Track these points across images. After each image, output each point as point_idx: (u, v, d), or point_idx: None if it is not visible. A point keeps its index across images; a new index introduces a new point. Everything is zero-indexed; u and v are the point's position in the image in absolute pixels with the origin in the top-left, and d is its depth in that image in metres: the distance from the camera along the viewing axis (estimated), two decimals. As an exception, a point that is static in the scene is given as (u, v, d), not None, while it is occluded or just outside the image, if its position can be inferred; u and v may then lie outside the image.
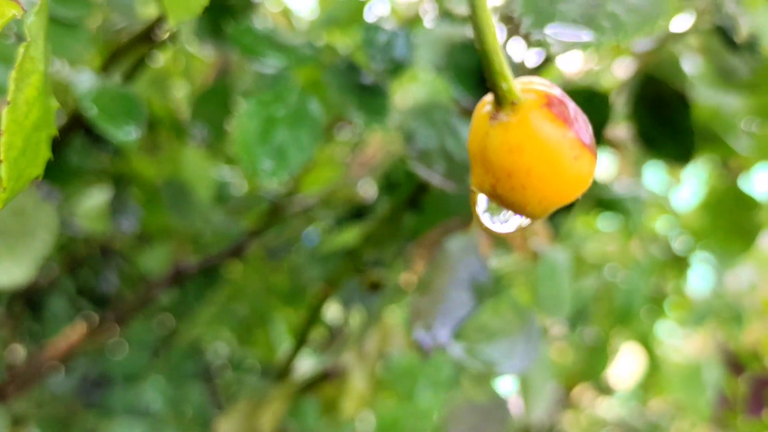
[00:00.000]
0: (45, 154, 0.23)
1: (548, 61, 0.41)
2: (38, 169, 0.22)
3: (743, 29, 0.29)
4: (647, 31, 0.27)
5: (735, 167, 0.68)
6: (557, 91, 0.15)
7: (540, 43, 0.26)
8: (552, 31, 0.27)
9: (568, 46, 0.26)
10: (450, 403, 0.41)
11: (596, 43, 0.26)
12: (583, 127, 0.14)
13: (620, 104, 0.44)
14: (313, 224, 0.75)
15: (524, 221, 0.15)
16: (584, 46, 0.26)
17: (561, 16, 0.27)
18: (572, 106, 0.15)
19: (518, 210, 0.15)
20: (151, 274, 0.82)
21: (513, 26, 0.37)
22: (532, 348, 0.40)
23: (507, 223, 0.15)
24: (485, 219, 0.15)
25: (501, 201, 0.15)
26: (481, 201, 0.15)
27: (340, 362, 0.56)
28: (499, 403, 0.41)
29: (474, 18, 0.14)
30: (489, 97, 0.15)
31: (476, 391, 0.41)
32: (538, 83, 0.15)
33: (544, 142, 0.14)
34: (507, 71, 0.14)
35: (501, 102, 0.15)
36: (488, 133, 0.15)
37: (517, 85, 0.15)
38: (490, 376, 0.41)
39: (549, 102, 0.14)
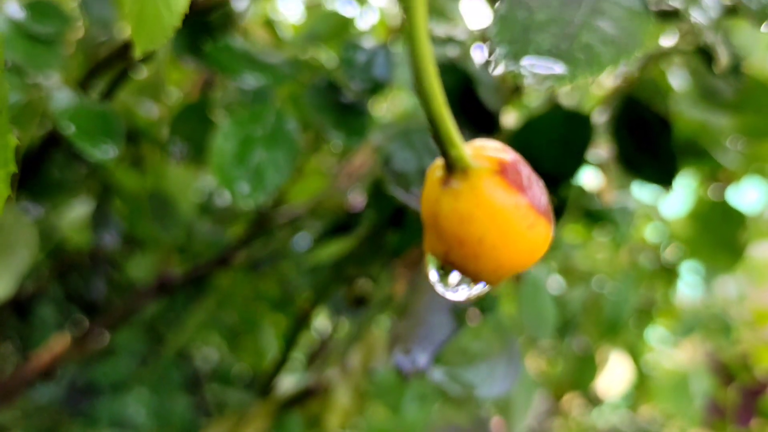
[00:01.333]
0: (3, 192, 0.22)
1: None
2: (-2, 208, 0.22)
3: (723, 58, 0.28)
4: (623, 63, 0.26)
5: (723, 180, 0.68)
6: (511, 156, 0.14)
7: (514, 76, 0.26)
8: (527, 63, 0.26)
9: (542, 79, 0.26)
10: (431, 426, 0.40)
11: (570, 76, 0.25)
12: (538, 193, 0.14)
13: (603, 123, 0.43)
14: (300, 234, 0.75)
15: (474, 291, 0.15)
16: (558, 79, 0.26)
17: (535, 48, 0.26)
18: (526, 172, 0.14)
19: (472, 277, 0.14)
20: (139, 281, 0.82)
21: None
22: (513, 370, 0.40)
23: (457, 293, 0.15)
24: (438, 288, 0.15)
25: (454, 267, 0.14)
26: (433, 267, 0.15)
27: (324, 378, 0.55)
28: (480, 426, 0.41)
29: (419, 85, 0.13)
30: (440, 161, 0.14)
31: (457, 413, 0.41)
32: (491, 148, 0.14)
33: (496, 212, 0.14)
34: (456, 137, 0.14)
35: (451, 168, 0.14)
36: (439, 199, 0.14)
37: (468, 151, 0.14)
38: (471, 399, 0.40)
39: (501, 169, 0.14)
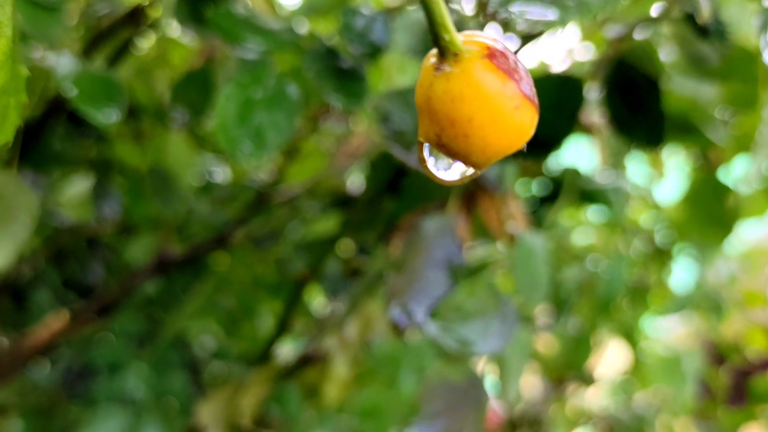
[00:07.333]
0: (14, 120, 0.23)
1: (524, 45, 0.42)
2: (7, 135, 0.23)
3: (705, 11, 0.30)
4: (610, 10, 0.27)
5: (714, 159, 0.70)
6: (499, 44, 0.15)
7: (507, 23, 0.27)
8: (518, 9, 0.27)
9: (534, 25, 0.27)
10: (426, 382, 0.41)
11: (561, 21, 0.27)
12: (525, 78, 0.15)
13: (596, 91, 0.44)
14: (299, 214, 0.75)
15: (468, 170, 0.16)
16: (549, 24, 0.27)
17: (527, -5, 0.27)
18: (513, 59, 0.15)
19: (462, 159, 0.15)
20: (136, 264, 0.82)
21: (486, 11, 0.37)
22: (507, 329, 0.41)
23: (450, 170, 0.16)
24: (430, 165, 0.16)
25: (446, 150, 0.15)
26: (427, 151, 0.16)
27: (321, 347, 0.56)
28: (475, 382, 0.42)
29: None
30: (434, 50, 0.16)
31: (452, 371, 0.42)
32: (481, 36, 0.15)
33: (485, 92, 0.15)
34: (449, 23, 0.15)
35: (444, 53, 0.15)
36: (432, 83, 0.15)
37: (460, 37, 0.15)
38: (466, 355, 0.41)
39: (490, 53, 0.15)
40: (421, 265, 0.39)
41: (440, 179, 0.16)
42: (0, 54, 0.21)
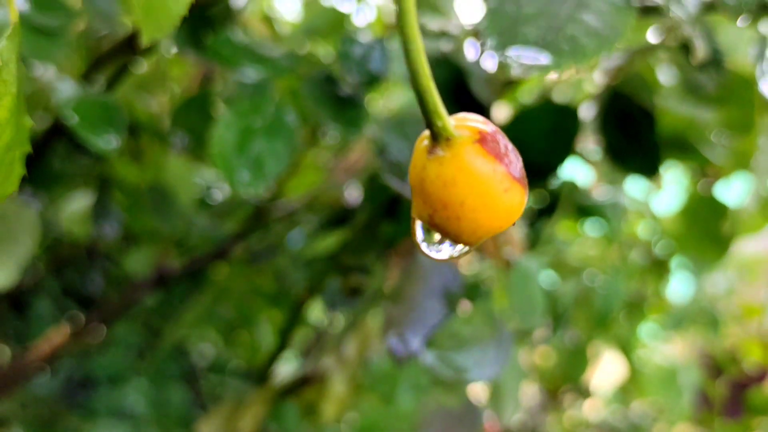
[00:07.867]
0: (19, 171, 0.23)
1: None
2: (12, 186, 0.23)
3: (699, 51, 0.30)
4: (605, 54, 0.28)
5: (712, 175, 0.70)
6: (490, 128, 0.16)
7: (502, 65, 0.27)
8: (514, 53, 0.28)
9: (529, 69, 0.27)
10: (423, 409, 0.42)
11: (555, 66, 0.27)
12: (514, 161, 0.15)
13: (592, 118, 0.45)
14: (297, 228, 0.76)
15: (456, 250, 0.16)
16: (544, 68, 0.27)
17: (522, 39, 0.28)
18: (503, 142, 0.16)
19: (454, 238, 0.16)
20: (136, 276, 0.83)
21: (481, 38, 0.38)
22: (503, 355, 0.41)
23: (441, 252, 0.16)
24: (423, 247, 0.16)
25: (438, 229, 0.16)
26: (420, 229, 0.16)
27: (320, 366, 0.56)
28: (471, 409, 0.42)
29: (408, 60, 0.15)
30: (427, 133, 0.16)
31: (449, 397, 0.42)
32: (473, 120, 0.16)
33: (476, 176, 0.15)
34: (441, 109, 0.15)
35: (436, 138, 0.16)
36: (425, 166, 0.16)
37: (452, 122, 0.16)
38: (462, 382, 0.42)
39: (481, 138, 0.15)
40: (418, 294, 0.39)
41: (432, 258, 0.16)
42: (5, 111, 0.21)
